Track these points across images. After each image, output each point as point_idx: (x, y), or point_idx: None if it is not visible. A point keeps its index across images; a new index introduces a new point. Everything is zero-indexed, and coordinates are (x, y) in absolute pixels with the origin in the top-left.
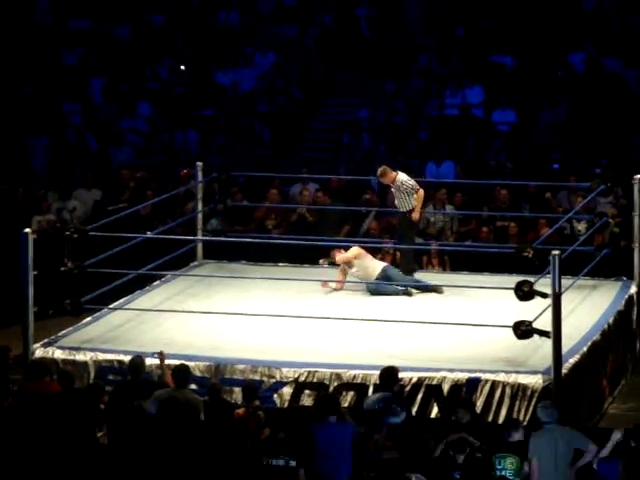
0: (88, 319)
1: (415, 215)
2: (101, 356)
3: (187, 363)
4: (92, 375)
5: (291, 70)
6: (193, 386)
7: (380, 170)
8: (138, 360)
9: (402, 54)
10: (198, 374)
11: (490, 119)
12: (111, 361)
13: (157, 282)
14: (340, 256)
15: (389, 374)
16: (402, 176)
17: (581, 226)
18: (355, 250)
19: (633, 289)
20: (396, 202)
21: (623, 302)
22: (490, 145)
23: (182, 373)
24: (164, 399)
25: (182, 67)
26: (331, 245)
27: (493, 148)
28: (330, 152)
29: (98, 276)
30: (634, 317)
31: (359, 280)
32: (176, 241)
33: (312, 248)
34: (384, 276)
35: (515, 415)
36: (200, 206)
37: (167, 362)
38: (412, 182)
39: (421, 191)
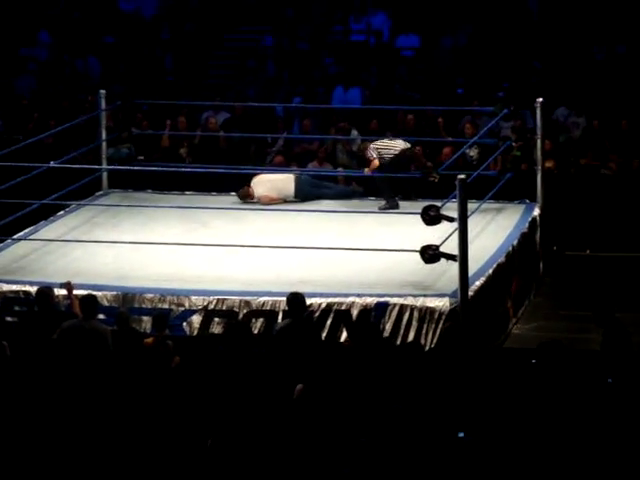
0: None
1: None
2: (6, 287)
3: (95, 293)
4: None
5: None
6: (101, 316)
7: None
8: (46, 290)
9: None
10: (106, 304)
11: (394, 45)
12: (17, 292)
13: (61, 212)
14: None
15: (296, 300)
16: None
17: (473, 152)
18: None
19: (536, 211)
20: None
21: (527, 224)
22: (395, 71)
23: (90, 303)
24: (72, 329)
25: None
26: (238, 173)
27: (398, 74)
28: (234, 79)
29: (1, 207)
30: (537, 239)
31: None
32: (80, 171)
33: (222, 176)
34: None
35: (423, 338)
36: (104, 134)
37: (74, 292)
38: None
39: (376, 161)
